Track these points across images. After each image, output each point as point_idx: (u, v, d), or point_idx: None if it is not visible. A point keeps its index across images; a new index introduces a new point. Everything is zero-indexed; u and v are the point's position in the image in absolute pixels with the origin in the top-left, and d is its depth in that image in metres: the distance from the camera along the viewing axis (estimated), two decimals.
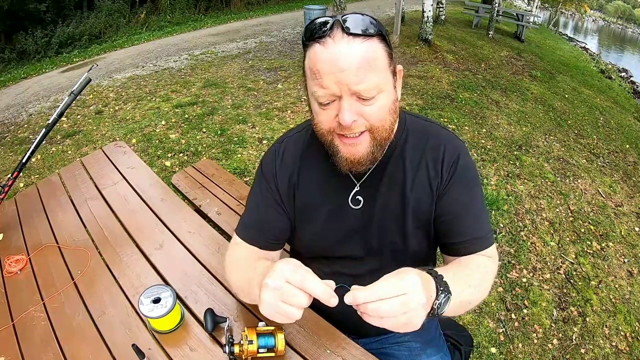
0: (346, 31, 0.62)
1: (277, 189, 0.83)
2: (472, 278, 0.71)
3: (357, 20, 0.62)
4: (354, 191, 0.80)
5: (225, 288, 0.98)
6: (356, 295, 0.56)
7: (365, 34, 0.62)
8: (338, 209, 0.81)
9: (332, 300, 0.57)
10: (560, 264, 2.43)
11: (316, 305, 0.92)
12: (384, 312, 0.55)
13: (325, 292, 0.57)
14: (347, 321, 0.90)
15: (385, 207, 0.79)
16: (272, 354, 0.80)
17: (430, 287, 0.61)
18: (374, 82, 0.63)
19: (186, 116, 3.94)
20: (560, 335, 1.98)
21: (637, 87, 8.76)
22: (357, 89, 0.62)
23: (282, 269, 0.60)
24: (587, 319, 2.08)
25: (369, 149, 0.69)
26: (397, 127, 0.79)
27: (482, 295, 0.74)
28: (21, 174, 1.40)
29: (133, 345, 0.81)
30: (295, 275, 0.58)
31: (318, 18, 0.65)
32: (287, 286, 0.58)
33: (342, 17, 0.63)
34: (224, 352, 0.79)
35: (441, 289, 0.62)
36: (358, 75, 0.61)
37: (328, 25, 0.62)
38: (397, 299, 0.55)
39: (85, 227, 1.25)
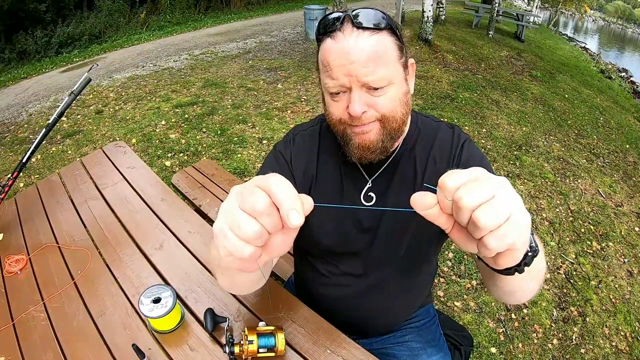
0: (356, 25, 0.63)
1: (292, 174, 0.81)
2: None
3: (367, 15, 0.64)
4: (366, 187, 0.80)
5: None
6: (446, 178, 0.40)
7: (374, 28, 0.64)
8: (350, 206, 0.81)
9: (291, 213, 0.36)
10: (560, 264, 2.42)
11: (317, 305, 0.93)
12: (479, 193, 0.37)
13: (292, 196, 0.37)
14: (348, 322, 0.90)
15: (395, 205, 0.78)
16: (272, 354, 0.80)
17: None
18: (383, 74, 0.64)
19: (186, 116, 3.94)
20: (560, 335, 1.97)
21: (637, 87, 8.74)
22: (366, 80, 0.64)
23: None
24: (587, 319, 2.08)
25: (379, 136, 0.70)
26: (410, 126, 0.80)
27: (543, 278, 0.61)
28: (21, 174, 1.40)
29: (133, 345, 0.81)
30: (263, 178, 0.38)
31: (331, 13, 0.66)
32: (251, 186, 0.38)
33: (353, 11, 0.65)
34: (224, 352, 0.79)
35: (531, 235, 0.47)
36: (367, 67, 0.63)
37: (339, 20, 0.64)
38: (495, 188, 0.37)
39: (85, 227, 1.25)
